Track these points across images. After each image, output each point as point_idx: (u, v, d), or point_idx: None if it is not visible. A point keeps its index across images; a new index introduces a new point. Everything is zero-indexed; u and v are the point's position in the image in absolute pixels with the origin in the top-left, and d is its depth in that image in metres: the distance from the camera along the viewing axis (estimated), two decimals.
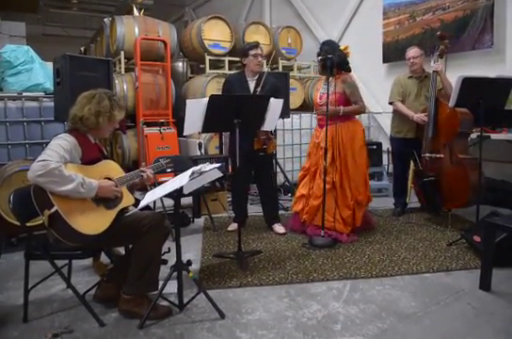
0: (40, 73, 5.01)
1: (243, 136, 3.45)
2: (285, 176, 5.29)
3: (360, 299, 2.52)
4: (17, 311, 2.36)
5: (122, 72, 5.83)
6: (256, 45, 3.67)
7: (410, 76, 4.20)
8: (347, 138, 3.61)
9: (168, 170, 2.65)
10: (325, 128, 3.51)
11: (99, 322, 2.22)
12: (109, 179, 2.26)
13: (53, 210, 2.02)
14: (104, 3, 11.57)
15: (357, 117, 3.81)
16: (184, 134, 3.11)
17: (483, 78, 3.53)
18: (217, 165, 2.45)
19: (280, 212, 4.17)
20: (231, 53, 6.59)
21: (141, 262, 2.25)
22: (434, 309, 2.39)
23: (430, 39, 5.59)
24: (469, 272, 2.89)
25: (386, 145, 5.51)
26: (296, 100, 6.83)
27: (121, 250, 2.71)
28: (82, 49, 9.25)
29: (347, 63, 3.68)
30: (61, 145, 2.11)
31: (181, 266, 2.35)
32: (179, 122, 4.91)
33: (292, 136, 5.77)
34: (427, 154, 3.90)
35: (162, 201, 3.68)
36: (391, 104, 4.30)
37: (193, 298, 2.40)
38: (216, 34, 6.40)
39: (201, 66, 7.07)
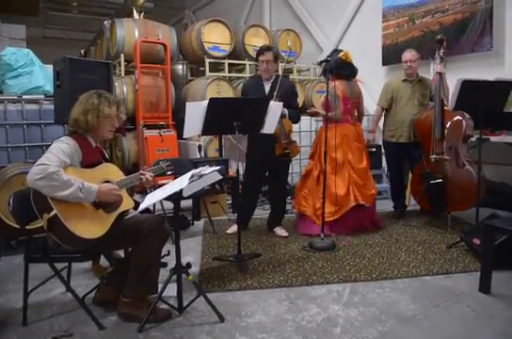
0: (41, 76, 5.01)
1: (262, 140, 3.46)
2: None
3: (360, 302, 2.51)
4: (16, 314, 2.35)
5: (122, 74, 5.84)
6: (265, 49, 3.60)
7: (404, 79, 4.21)
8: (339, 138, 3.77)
9: (169, 173, 2.65)
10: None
11: (98, 325, 2.22)
12: (109, 182, 2.26)
13: (52, 214, 2.01)
14: (105, 6, 11.59)
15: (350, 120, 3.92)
16: (184, 136, 3.11)
17: (482, 81, 3.53)
18: (217, 167, 2.45)
19: None
20: (230, 55, 6.60)
21: (141, 265, 2.24)
22: (434, 312, 2.39)
23: (429, 41, 5.60)
24: (468, 275, 2.89)
25: None
26: None
27: (121, 253, 2.71)
28: (82, 52, 9.24)
29: (343, 69, 3.71)
30: (62, 148, 2.10)
31: (180, 269, 2.34)
32: (179, 125, 4.91)
33: None
34: (434, 156, 3.86)
35: (162, 204, 3.68)
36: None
37: (192, 301, 2.39)
38: (215, 37, 6.42)
39: (201, 69, 7.08)
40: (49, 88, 4.88)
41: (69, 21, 13.03)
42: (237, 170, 3.22)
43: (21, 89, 4.89)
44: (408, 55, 4.13)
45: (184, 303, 2.38)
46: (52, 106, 4.24)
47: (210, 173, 2.37)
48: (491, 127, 4.30)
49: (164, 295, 2.33)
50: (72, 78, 3.65)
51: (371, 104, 6.68)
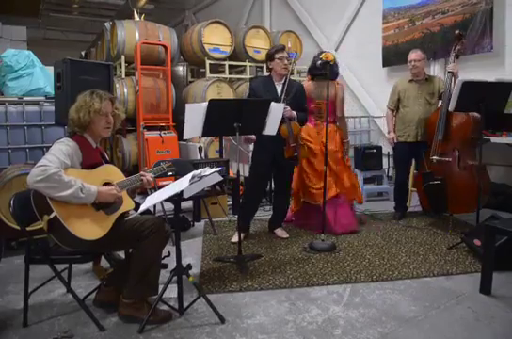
0: (41, 78, 5.03)
1: (270, 143, 3.45)
2: None
3: (361, 304, 2.51)
4: (17, 315, 2.35)
5: (123, 76, 5.86)
6: (282, 48, 3.60)
7: (411, 80, 4.21)
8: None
9: (170, 174, 2.64)
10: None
11: (99, 327, 2.22)
12: (109, 183, 2.26)
13: (52, 215, 2.01)
14: (105, 7, 11.61)
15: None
16: (184, 138, 3.11)
17: (482, 82, 3.53)
18: (218, 169, 2.45)
19: None
20: (231, 57, 6.62)
21: (141, 266, 2.24)
22: (434, 313, 2.39)
23: (430, 42, 5.62)
24: (469, 276, 2.88)
25: (386, 149, 5.52)
26: None
27: (121, 255, 2.71)
28: (83, 53, 9.28)
29: (318, 69, 3.73)
30: (62, 150, 2.11)
31: (181, 271, 2.34)
32: (179, 126, 4.91)
33: None
34: (435, 157, 3.83)
35: (162, 205, 3.68)
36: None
37: (193, 302, 2.39)
38: (216, 38, 6.44)
39: (202, 70, 7.11)
40: (50, 89, 4.90)
41: (69, 22, 13.06)
42: (238, 172, 3.22)
43: (21, 91, 4.91)
44: (413, 55, 4.12)
45: (185, 304, 2.37)
46: (52, 108, 4.25)
47: (210, 175, 2.37)
48: (492, 128, 4.30)
49: (164, 296, 2.33)
50: (73, 80, 3.66)
51: (371, 104, 6.71)
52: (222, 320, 2.29)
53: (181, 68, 7.40)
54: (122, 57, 5.87)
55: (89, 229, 2.08)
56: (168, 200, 2.35)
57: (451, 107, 3.47)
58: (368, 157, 5.43)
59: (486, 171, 3.88)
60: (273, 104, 3.15)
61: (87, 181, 2.12)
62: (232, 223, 4.23)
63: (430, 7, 5.62)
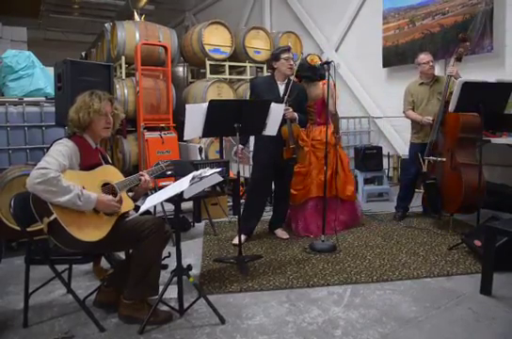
0: (42, 78, 5.03)
1: (271, 143, 3.45)
2: None
3: (361, 304, 2.51)
4: (17, 316, 2.36)
5: (123, 76, 5.86)
6: (288, 49, 3.62)
7: (421, 83, 4.18)
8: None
9: (169, 173, 2.64)
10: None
11: (99, 327, 2.22)
12: (108, 184, 2.26)
13: (52, 218, 2.01)
14: (105, 8, 11.62)
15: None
16: (185, 139, 3.11)
17: (483, 82, 3.53)
18: (218, 169, 2.45)
19: None
20: (231, 58, 6.62)
21: (141, 267, 2.24)
22: (435, 313, 2.39)
23: (430, 43, 5.62)
24: (470, 277, 2.88)
25: (386, 149, 5.52)
26: None
27: (122, 255, 2.71)
28: (83, 54, 9.29)
29: (304, 72, 3.82)
30: (61, 151, 2.11)
31: (181, 271, 2.34)
32: (179, 127, 4.92)
33: None
34: (430, 157, 3.88)
35: (162, 206, 3.68)
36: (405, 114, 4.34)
37: (193, 303, 2.39)
38: (216, 39, 6.44)
39: (202, 71, 7.11)
40: (50, 90, 4.91)
41: (70, 23, 13.08)
42: (238, 172, 3.22)
43: (22, 92, 4.91)
44: (426, 56, 4.08)
45: (185, 305, 2.37)
46: (53, 109, 4.25)
47: (211, 175, 2.37)
48: (492, 129, 4.29)
49: (164, 297, 2.33)
50: (73, 80, 3.66)
51: (371, 104, 6.71)
52: (222, 321, 2.29)
53: (181, 68, 7.41)
54: (123, 58, 5.87)
55: (90, 231, 2.08)
56: (168, 200, 2.35)
57: (451, 108, 3.47)
58: (368, 158, 5.43)
59: (481, 171, 3.88)
60: (273, 104, 3.15)
61: (85, 182, 2.12)
62: (233, 224, 4.23)
63: (430, 7, 5.63)
